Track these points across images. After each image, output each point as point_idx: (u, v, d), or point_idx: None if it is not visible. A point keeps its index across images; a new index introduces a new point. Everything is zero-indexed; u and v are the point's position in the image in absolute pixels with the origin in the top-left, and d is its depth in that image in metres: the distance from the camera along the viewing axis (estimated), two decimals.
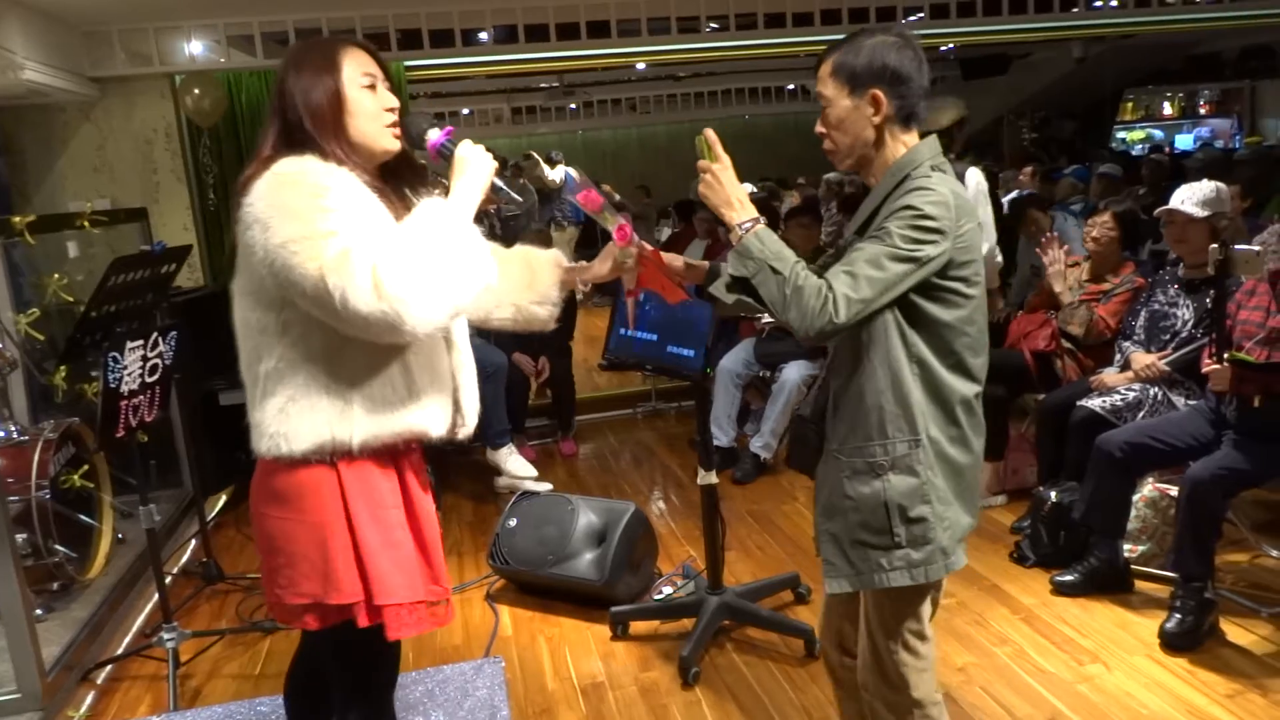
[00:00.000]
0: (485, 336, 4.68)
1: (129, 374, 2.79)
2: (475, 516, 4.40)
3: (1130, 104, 13.02)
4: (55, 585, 3.47)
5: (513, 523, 3.50)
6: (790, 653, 2.92)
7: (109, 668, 3.18)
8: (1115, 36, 8.81)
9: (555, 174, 1.81)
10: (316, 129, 1.60)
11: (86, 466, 3.62)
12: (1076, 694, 2.61)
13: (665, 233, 9.89)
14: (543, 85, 10.97)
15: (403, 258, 1.47)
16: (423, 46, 5.03)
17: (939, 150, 1.75)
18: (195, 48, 4.98)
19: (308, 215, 1.49)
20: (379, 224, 1.56)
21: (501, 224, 9.05)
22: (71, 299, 3.51)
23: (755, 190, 9.73)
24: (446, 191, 1.64)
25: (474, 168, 1.64)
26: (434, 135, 1.70)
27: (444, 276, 1.50)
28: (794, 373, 4.47)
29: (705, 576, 3.10)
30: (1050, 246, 3.92)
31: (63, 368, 3.21)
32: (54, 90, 4.41)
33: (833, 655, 2.08)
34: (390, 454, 1.67)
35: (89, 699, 3.01)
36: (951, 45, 8.17)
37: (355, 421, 1.60)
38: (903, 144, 1.73)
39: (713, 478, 2.96)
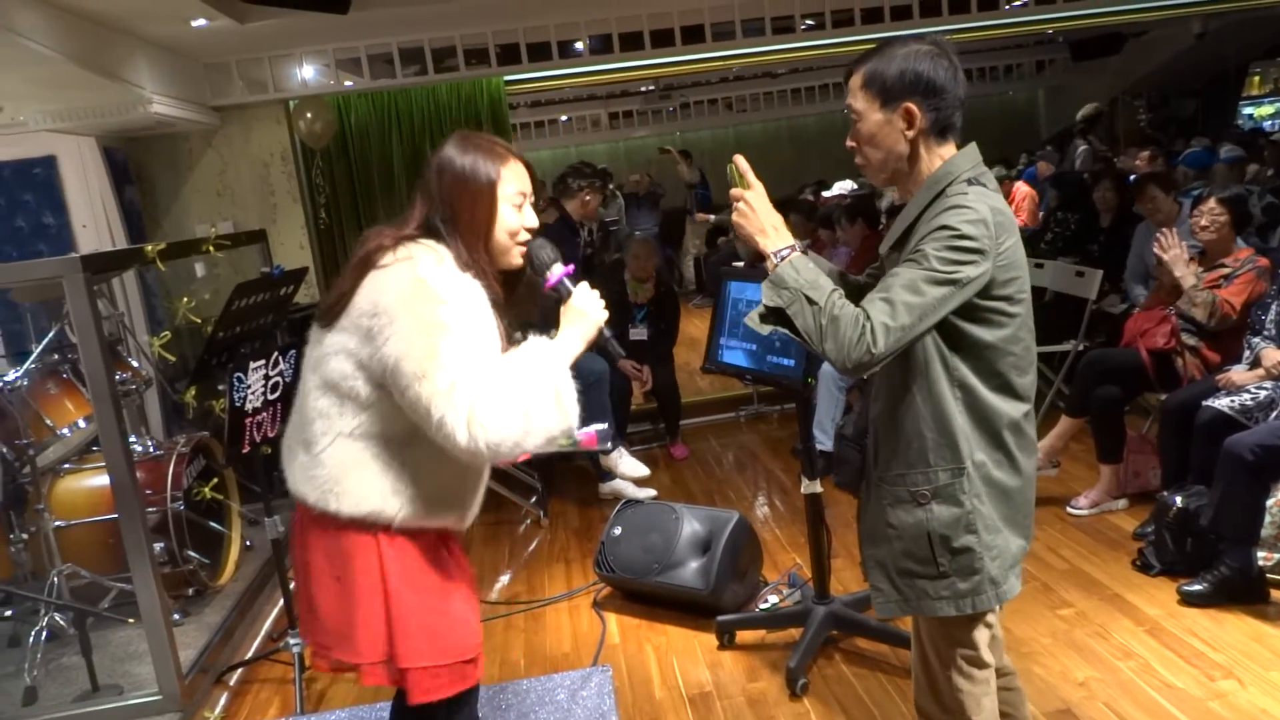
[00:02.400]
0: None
1: (253, 392, 2.94)
2: (581, 523, 4.46)
3: (1257, 78, 12.26)
4: (190, 591, 3.68)
5: (618, 531, 3.53)
6: (900, 664, 2.86)
7: (240, 670, 3.35)
8: (1238, 9, 8.32)
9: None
10: (466, 230, 1.67)
11: (216, 478, 3.81)
12: (1208, 711, 2.48)
13: None
14: (640, 90, 11.01)
15: (499, 404, 1.54)
16: (521, 61, 5.13)
17: (978, 160, 1.68)
18: (307, 73, 5.20)
19: (436, 333, 1.55)
20: (487, 350, 1.61)
21: (602, 232, 9.20)
22: (199, 320, 3.71)
23: (855, 187, 9.57)
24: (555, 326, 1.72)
25: (586, 319, 1.73)
26: (556, 270, 1.76)
27: (530, 425, 1.57)
28: None
29: (812, 586, 3.07)
30: (1167, 236, 3.73)
31: (193, 387, 3.39)
32: (179, 120, 4.67)
33: None
34: (436, 533, 1.73)
35: (223, 700, 3.18)
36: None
37: (403, 504, 1.65)
38: (939, 157, 1.67)
39: (817, 486, 2.93)
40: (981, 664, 1.77)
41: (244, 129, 5.17)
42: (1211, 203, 3.64)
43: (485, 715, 2.77)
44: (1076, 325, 4.67)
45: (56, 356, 3.62)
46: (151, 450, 3.78)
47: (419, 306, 1.57)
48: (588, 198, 4.46)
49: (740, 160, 1.74)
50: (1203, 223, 3.65)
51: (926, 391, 1.64)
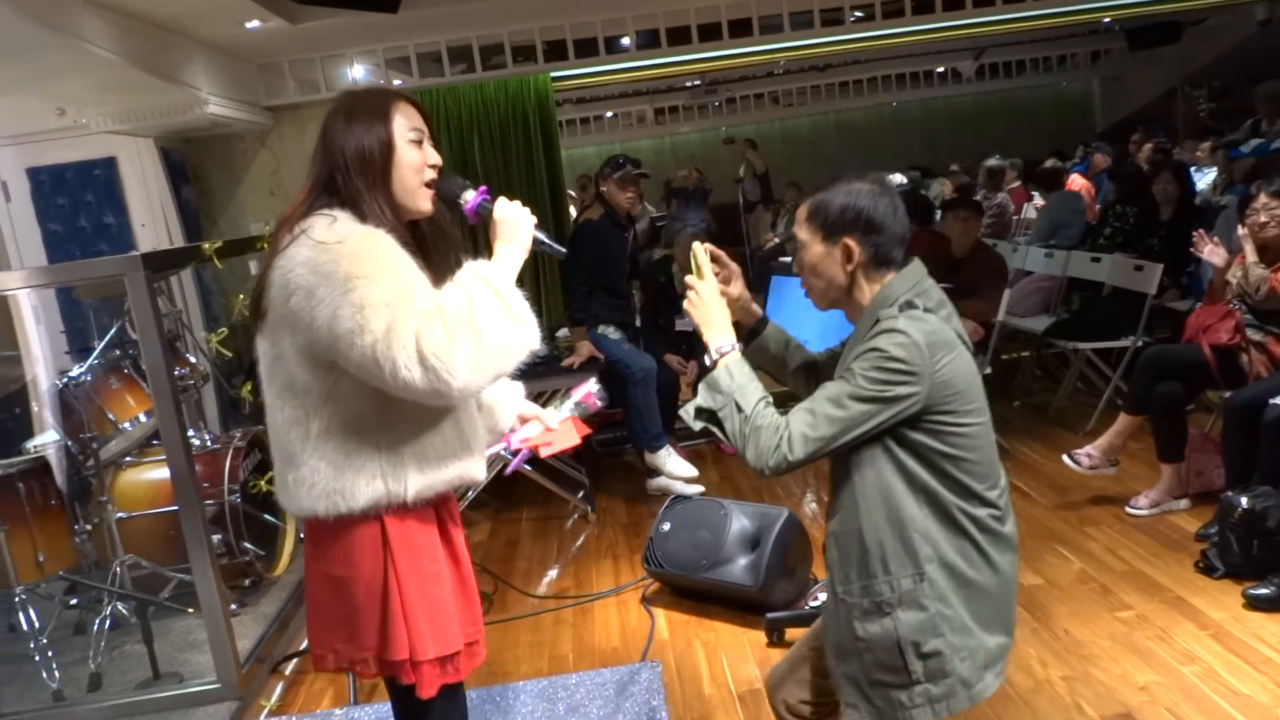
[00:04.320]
0: (635, 341, 4.74)
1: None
2: (629, 518, 4.46)
3: None
4: (246, 582, 3.75)
5: (666, 526, 3.53)
6: None
7: (295, 660, 3.41)
8: None
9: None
10: (363, 177, 1.60)
11: (271, 473, 3.88)
12: None
13: None
14: (685, 85, 10.99)
15: (445, 327, 1.48)
16: (568, 57, 5.14)
17: (918, 279, 1.70)
18: (357, 72, 5.27)
19: (356, 285, 1.48)
20: (419, 288, 1.54)
21: (652, 229, 9.19)
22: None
23: (902, 180, 9.45)
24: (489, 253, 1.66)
25: (515, 228, 1.67)
26: (469, 196, 1.72)
27: (486, 344, 1.51)
28: None
29: None
30: (1202, 243, 3.63)
31: (248, 382, 3.45)
32: (234, 121, 4.76)
33: (779, 704, 2.00)
34: (434, 507, 1.68)
35: (278, 690, 3.23)
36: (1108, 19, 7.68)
37: (409, 476, 1.61)
38: (878, 284, 1.70)
39: None
40: None
41: (296, 128, 5.25)
42: (1264, 198, 3.52)
43: (535, 708, 2.79)
44: (1135, 321, 4.57)
45: (118, 352, 3.71)
46: (209, 444, 3.86)
47: (328, 268, 1.50)
48: (630, 191, 4.45)
49: (698, 249, 1.83)
50: (1262, 219, 3.53)
51: (881, 500, 1.65)
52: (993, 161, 7.97)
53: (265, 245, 3.66)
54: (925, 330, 1.62)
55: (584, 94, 10.84)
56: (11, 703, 3.08)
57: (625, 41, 5.38)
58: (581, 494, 4.64)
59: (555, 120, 5.61)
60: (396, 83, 5.36)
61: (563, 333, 4.68)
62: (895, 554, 1.65)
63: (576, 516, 4.54)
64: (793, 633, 3.11)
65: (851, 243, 1.68)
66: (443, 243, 1.74)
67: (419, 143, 1.66)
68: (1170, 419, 3.66)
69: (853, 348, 1.68)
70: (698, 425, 1.74)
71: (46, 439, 3.77)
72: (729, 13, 5.01)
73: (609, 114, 12.04)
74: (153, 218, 5.16)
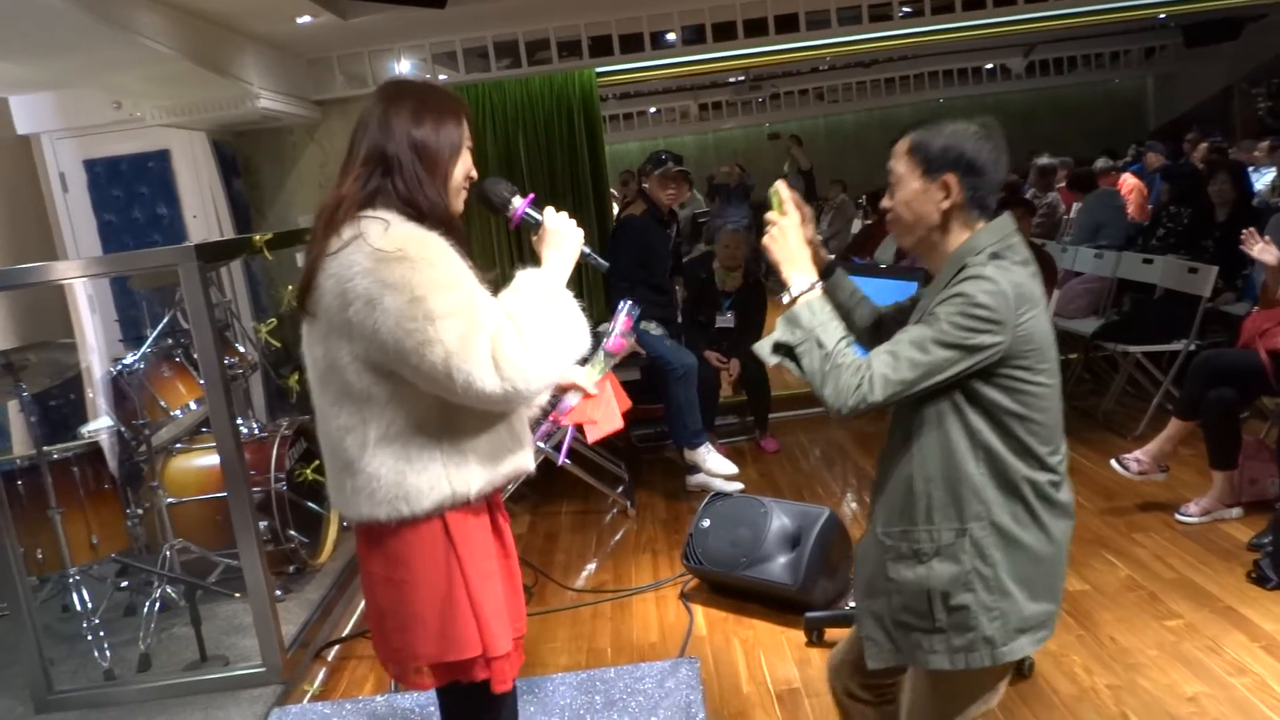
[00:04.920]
0: (675, 337, 4.74)
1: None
2: (668, 514, 4.46)
3: None
4: (291, 568, 3.81)
5: (706, 523, 3.53)
6: None
7: (338, 647, 3.46)
8: None
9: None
10: (427, 171, 1.60)
11: (316, 461, 3.93)
12: None
13: (857, 225, 9.68)
14: (730, 81, 10.95)
15: (519, 341, 1.52)
16: (613, 52, 5.14)
17: (1006, 233, 1.68)
18: (404, 67, 5.31)
19: (424, 296, 1.48)
20: (478, 294, 1.57)
21: (694, 226, 9.17)
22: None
23: None
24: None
25: (564, 238, 1.72)
26: (518, 203, 1.76)
27: (552, 349, 1.57)
28: None
29: None
30: (1252, 241, 3.53)
31: (296, 372, 3.51)
32: (284, 115, 4.83)
33: (838, 689, 2.03)
34: (487, 497, 1.68)
35: (321, 675, 3.28)
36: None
37: (473, 473, 1.61)
38: (968, 230, 1.68)
39: None
40: None
41: (345, 122, 5.31)
42: None
43: (573, 700, 2.80)
44: (1187, 324, 4.47)
45: (170, 341, 3.78)
46: (256, 432, 3.93)
47: (391, 278, 1.48)
48: (671, 187, 4.45)
49: (781, 186, 1.81)
50: None
51: (940, 453, 1.64)
52: (1044, 160, 7.84)
53: (320, 248, 3.72)
54: (1013, 281, 1.60)
55: (628, 89, 10.84)
56: (64, 681, 3.16)
57: (670, 37, 5.36)
58: (621, 489, 4.65)
59: (599, 116, 5.61)
60: (442, 77, 5.40)
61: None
62: (942, 506, 1.64)
63: (616, 511, 4.56)
64: (832, 632, 3.09)
65: (951, 181, 1.65)
66: (460, 241, 1.71)
67: (471, 149, 1.70)
68: (1224, 425, 3.58)
69: (934, 294, 1.65)
70: (773, 360, 1.72)
71: (100, 425, 3.87)
72: (775, 8, 4.98)
73: (653, 109, 12.03)
74: (204, 209, 5.25)
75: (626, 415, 2.17)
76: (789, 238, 1.75)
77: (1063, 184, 8.06)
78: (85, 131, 5.07)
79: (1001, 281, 1.58)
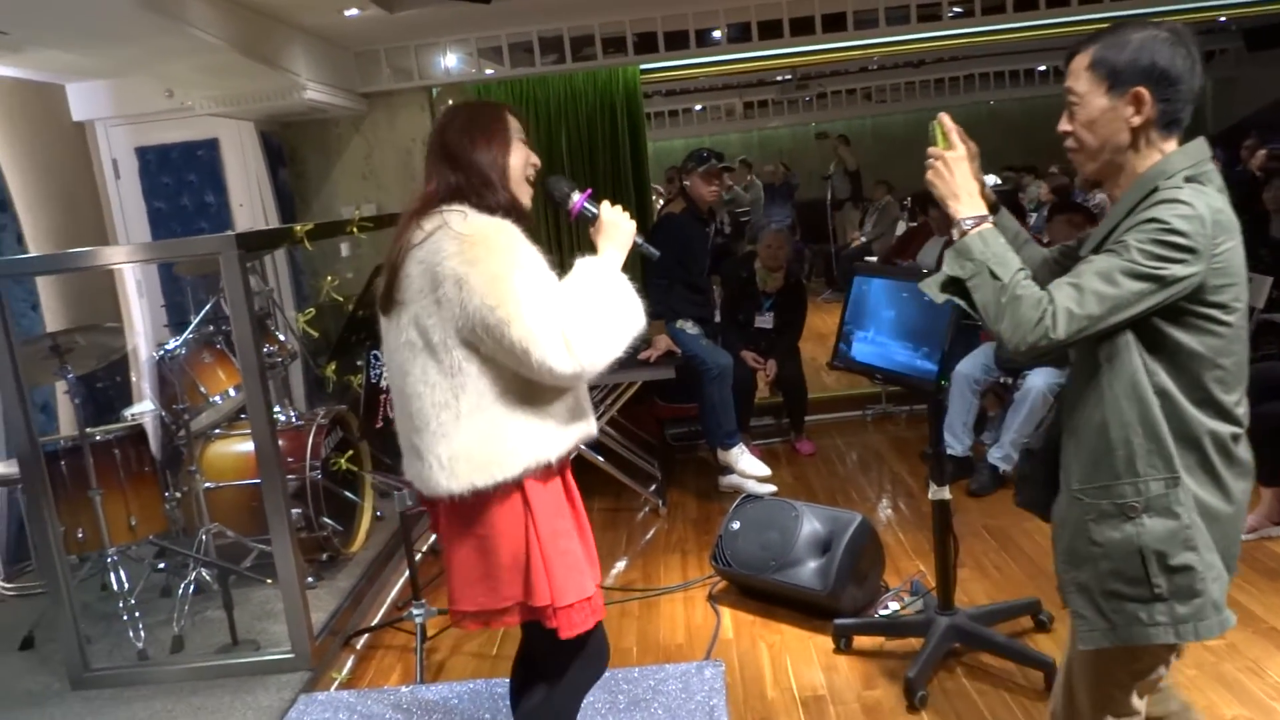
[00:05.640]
0: (711, 337, 4.71)
1: (388, 370, 3.04)
2: (699, 515, 4.44)
3: None
4: (324, 556, 3.85)
5: (736, 525, 3.50)
6: (1028, 684, 2.73)
7: (366, 636, 3.49)
8: None
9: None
10: (489, 186, 1.78)
11: (351, 450, 3.97)
12: None
13: (901, 228, 9.55)
14: (776, 79, 10.86)
15: (585, 321, 1.71)
16: (658, 49, 5.12)
17: (1202, 156, 1.54)
18: (450, 61, 5.34)
19: (504, 277, 1.66)
20: (550, 278, 1.75)
21: (735, 223, 9.13)
22: (341, 298, 3.87)
23: (998, 182, 9.18)
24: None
25: (619, 230, 1.88)
26: (576, 197, 1.92)
27: (615, 332, 1.75)
28: (1039, 380, 4.17)
29: (935, 595, 2.96)
30: None
31: (333, 362, 3.54)
32: (330, 106, 4.88)
33: None
34: (559, 465, 1.83)
35: (349, 663, 3.31)
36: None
37: (553, 438, 1.78)
38: (1159, 152, 1.54)
39: (945, 493, 2.82)
40: (1132, 713, 1.64)
41: (389, 115, 5.36)
42: None
43: (595, 698, 2.79)
44: None
45: (212, 328, 3.84)
46: (294, 420, 3.97)
47: (479, 259, 1.67)
48: (713, 185, 4.41)
49: (946, 118, 1.71)
50: None
51: (1131, 394, 1.51)
52: None
53: (355, 229, 3.75)
54: (1211, 206, 1.46)
55: (673, 86, 10.80)
56: (100, 659, 3.22)
57: (716, 34, 5.33)
58: (654, 488, 4.64)
59: (643, 113, 5.59)
60: (488, 71, 5.42)
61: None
62: (1146, 454, 1.50)
63: (647, 510, 4.54)
64: (860, 640, 3.05)
65: (1144, 94, 1.50)
66: (530, 230, 1.88)
67: (525, 142, 1.87)
68: (1276, 440, 3.47)
69: (1119, 221, 1.52)
70: (941, 298, 1.63)
71: (143, 408, 3.94)
72: (822, 6, 4.92)
73: (698, 107, 11.97)
74: (250, 198, 5.32)
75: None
76: (956, 171, 1.64)
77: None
78: (138, 119, 5.17)
79: (1199, 206, 1.44)
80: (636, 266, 5.32)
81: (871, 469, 4.89)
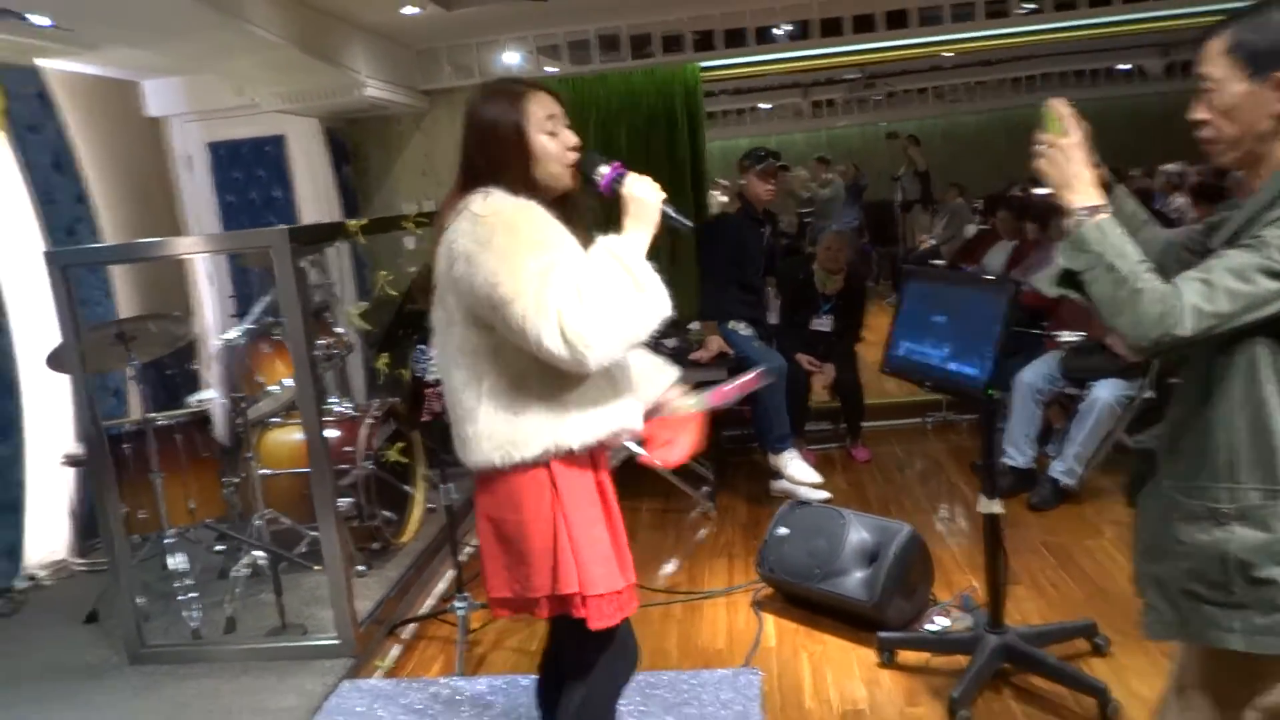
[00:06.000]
0: (766, 339, 4.65)
1: (433, 365, 3.06)
2: (749, 519, 4.39)
3: None
4: (375, 545, 3.91)
5: (782, 531, 3.45)
6: (1080, 710, 2.62)
7: (412, 626, 3.53)
8: None
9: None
10: (503, 167, 1.75)
11: (403, 443, 4.02)
12: None
13: (971, 231, 9.33)
14: (843, 78, 10.70)
15: (584, 304, 1.62)
16: (715, 47, 5.08)
17: None
18: (511, 58, 5.38)
19: (510, 254, 1.64)
20: (567, 258, 1.68)
21: (801, 225, 9.02)
22: (395, 293, 3.92)
23: None
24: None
25: (644, 205, 1.76)
26: (604, 171, 1.80)
27: (619, 317, 1.65)
28: (1105, 392, 4.02)
29: (985, 612, 2.87)
30: None
31: (385, 354, 3.59)
32: (391, 103, 4.96)
33: None
34: (590, 455, 1.80)
35: (394, 652, 3.35)
36: None
37: (573, 425, 1.74)
38: None
39: (996, 507, 2.73)
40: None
41: (450, 111, 5.42)
42: None
43: (628, 700, 2.78)
44: None
45: (271, 319, 3.92)
46: (349, 411, 4.04)
47: (486, 236, 1.65)
48: (770, 184, 4.35)
49: (1059, 103, 1.60)
50: None
51: (1246, 398, 1.45)
52: (1171, 166, 7.40)
53: (411, 223, 3.79)
54: None
55: (740, 85, 10.72)
56: (157, 636, 3.32)
57: (779, 31, 5.27)
58: (704, 490, 4.60)
59: (702, 111, 5.55)
60: (551, 70, 5.44)
61: (694, 326, 4.64)
62: (1249, 462, 1.45)
63: (697, 512, 4.51)
64: (905, 655, 2.98)
65: None
66: (577, 214, 1.84)
67: (554, 133, 1.78)
68: None
69: (1258, 214, 1.45)
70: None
71: (205, 395, 4.05)
72: (885, 3, 4.83)
73: (765, 105, 11.86)
74: (315, 193, 5.44)
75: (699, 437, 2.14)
76: (1072, 158, 1.55)
77: (1188, 194, 7.58)
78: (210, 115, 5.32)
79: None
80: (691, 268, 5.33)
81: (929, 478, 4.77)
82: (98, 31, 3.55)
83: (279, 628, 3.29)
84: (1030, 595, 3.34)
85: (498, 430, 1.73)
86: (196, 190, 5.49)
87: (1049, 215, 5.47)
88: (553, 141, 1.77)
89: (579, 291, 1.62)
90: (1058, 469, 4.13)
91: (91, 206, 4.53)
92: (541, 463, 1.74)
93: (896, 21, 4.96)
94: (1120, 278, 1.44)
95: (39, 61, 4.25)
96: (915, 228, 10.39)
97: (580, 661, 1.90)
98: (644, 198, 1.76)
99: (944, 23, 4.92)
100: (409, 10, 4.25)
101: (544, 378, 1.71)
